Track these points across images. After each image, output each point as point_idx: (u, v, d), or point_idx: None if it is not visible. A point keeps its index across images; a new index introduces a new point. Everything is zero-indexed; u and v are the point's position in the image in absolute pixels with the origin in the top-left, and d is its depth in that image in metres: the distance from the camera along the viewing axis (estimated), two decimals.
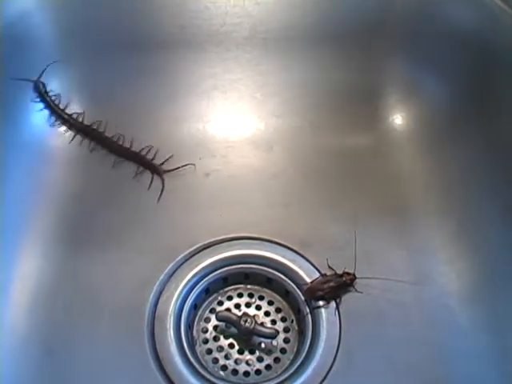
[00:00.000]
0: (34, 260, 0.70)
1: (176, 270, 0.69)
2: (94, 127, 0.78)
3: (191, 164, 0.77)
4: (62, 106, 0.79)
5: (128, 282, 0.69)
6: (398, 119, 0.80)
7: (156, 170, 0.77)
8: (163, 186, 0.76)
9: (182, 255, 0.70)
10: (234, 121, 0.81)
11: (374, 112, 0.81)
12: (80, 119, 0.79)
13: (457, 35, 0.74)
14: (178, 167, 0.76)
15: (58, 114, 0.78)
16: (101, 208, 0.74)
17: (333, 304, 0.67)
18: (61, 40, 0.77)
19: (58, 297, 0.68)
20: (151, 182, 0.76)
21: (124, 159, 0.78)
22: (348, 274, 0.68)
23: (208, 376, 0.63)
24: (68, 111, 0.79)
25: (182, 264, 0.69)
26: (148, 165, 0.77)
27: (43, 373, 0.64)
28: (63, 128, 0.79)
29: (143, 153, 0.77)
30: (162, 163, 0.77)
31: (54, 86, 0.78)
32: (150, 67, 0.78)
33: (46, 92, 0.77)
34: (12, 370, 0.64)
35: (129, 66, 0.78)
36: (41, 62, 0.77)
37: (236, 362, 0.66)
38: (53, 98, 0.78)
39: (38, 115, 0.78)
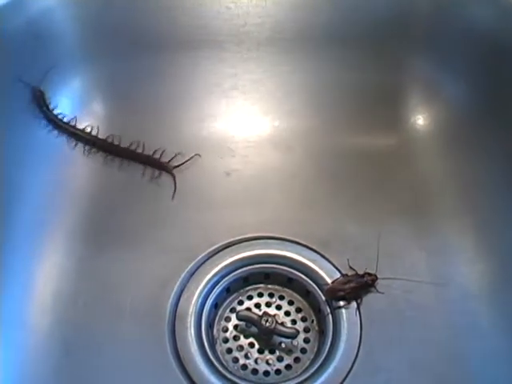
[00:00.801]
0: (56, 259, 0.71)
1: (197, 269, 0.69)
2: (100, 137, 0.78)
3: (197, 155, 0.77)
4: (72, 117, 0.78)
5: (149, 280, 0.69)
6: (418, 120, 0.80)
7: (165, 168, 0.77)
8: (175, 183, 0.76)
9: (203, 254, 0.70)
10: (254, 121, 0.81)
11: (394, 113, 0.80)
12: (87, 130, 0.78)
13: (478, 36, 0.74)
14: (186, 161, 0.76)
15: (62, 128, 0.78)
16: (122, 207, 0.75)
17: (354, 304, 0.67)
18: (82, 38, 0.77)
19: (79, 296, 0.68)
20: (155, 177, 0.77)
21: (135, 162, 0.78)
22: (369, 274, 0.67)
23: (228, 375, 0.63)
24: (82, 119, 0.78)
25: (202, 263, 0.70)
26: (157, 164, 0.77)
27: (64, 371, 0.64)
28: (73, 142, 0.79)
29: (152, 154, 0.77)
30: (170, 160, 0.76)
31: (76, 84, 0.78)
32: (170, 67, 0.78)
33: (46, 104, 0.76)
34: (33, 368, 0.64)
35: (150, 65, 0.78)
36: (62, 59, 0.77)
37: (256, 361, 0.66)
38: (54, 111, 0.77)
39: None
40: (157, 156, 0.77)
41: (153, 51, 0.77)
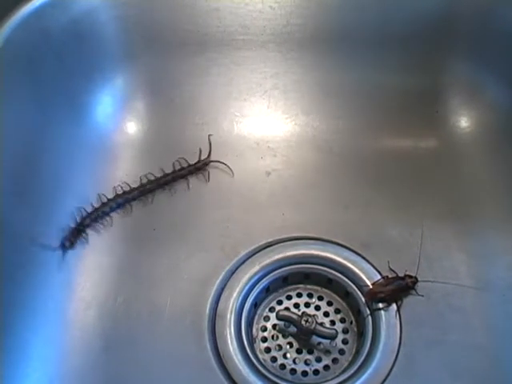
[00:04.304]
0: (97, 255, 0.72)
1: (237, 268, 0.69)
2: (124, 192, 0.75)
3: (210, 135, 0.78)
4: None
5: (189, 278, 0.69)
6: (459, 122, 0.79)
7: (201, 168, 0.77)
8: (227, 165, 0.77)
9: (243, 253, 0.70)
10: (294, 121, 0.81)
11: (436, 114, 0.80)
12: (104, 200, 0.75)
13: None
14: (210, 149, 0.78)
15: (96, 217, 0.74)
16: (164, 204, 0.75)
17: (393, 306, 0.67)
18: (126, 37, 0.77)
19: (120, 292, 0.69)
20: (208, 178, 0.78)
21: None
22: (410, 276, 0.67)
23: (267, 374, 0.63)
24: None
25: (242, 262, 0.70)
26: (194, 170, 0.77)
27: (103, 367, 0.65)
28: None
29: (180, 169, 0.77)
30: (197, 162, 0.77)
31: (118, 83, 0.79)
32: (213, 66, 0.79)
33: (80, 229, 0.72)
34: (72, 363, 0.65)
35: (191, 65, 0.79)
36: (105, 58, 0.78)
37: (294, 361, 0.66)
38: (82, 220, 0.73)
39: (101, 113, 0.79)
40: (186, 165, 0.77)
41: (195, 51, 0.78)
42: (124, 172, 0.77)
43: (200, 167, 0.77)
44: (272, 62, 0.79)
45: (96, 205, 0.74)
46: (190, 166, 0.77)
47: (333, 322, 0.69)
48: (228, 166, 0.77)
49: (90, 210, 0.73)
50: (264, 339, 0.68)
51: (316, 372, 0.66)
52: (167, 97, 0.80)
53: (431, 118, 0.80)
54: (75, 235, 0.71)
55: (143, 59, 0.79)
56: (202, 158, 0.77)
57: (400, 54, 0.79)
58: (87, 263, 0.71)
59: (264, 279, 0.69)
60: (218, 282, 0.68)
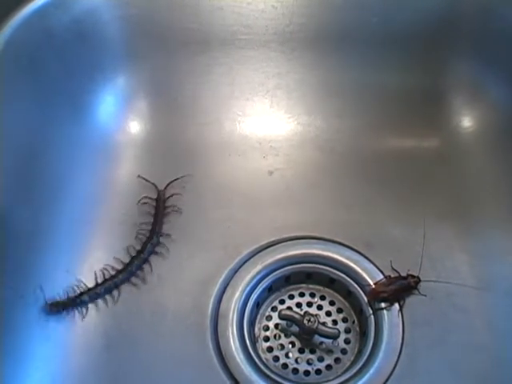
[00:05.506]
0: (99, 254, 0.71)
1: (239, 267, 0.69)
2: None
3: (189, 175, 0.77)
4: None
5: (191, 278, 0.69)
6: (462, 122, 0.79)
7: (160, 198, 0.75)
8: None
9: (246, 252, 0.70)
10: (297, 120, 0.81)
11: (437, 115, 0.80)
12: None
13: None
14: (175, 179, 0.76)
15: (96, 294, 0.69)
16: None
17: (396, 306, 0.67)
18: (128, 37, 0.77)
19: (122, 291, 0.69)
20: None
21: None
22: (412, 276, 0.67)
23: (270, 374, 0.63)
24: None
25: (245, 262, 0.70)
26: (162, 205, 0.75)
27: (104, 366, 0.65)
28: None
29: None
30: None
31: (120, 82, 0.79)
32: (215, 66, 0.79)
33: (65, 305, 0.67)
34: (74, 362, 0.65)
35: (194, 64, 0.79)
36: (107, 58, 0.78)
37: (296, 360, 0.66)
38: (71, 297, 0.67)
39: (104, 113, 0.79)
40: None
41: (198, 50, 0.78)
42: (126, 171, 0.77)
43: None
44: (274, 61, 0.79)
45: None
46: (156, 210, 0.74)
47: (335, 322, 0.69)
48: (181, 195, 0.76)
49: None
50: (266, 338, 0.68)
51: (318, 371, 0.66)
52: (170, 96, 0.80)
53: (433, 117, 0.80)
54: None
55: (145, 58, 0.79)
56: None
57: (401, 53, 0.79)
58: (88, 261, 0.71)
59: (266, 278, 0.69)
60: (220, 281, 0.68)
